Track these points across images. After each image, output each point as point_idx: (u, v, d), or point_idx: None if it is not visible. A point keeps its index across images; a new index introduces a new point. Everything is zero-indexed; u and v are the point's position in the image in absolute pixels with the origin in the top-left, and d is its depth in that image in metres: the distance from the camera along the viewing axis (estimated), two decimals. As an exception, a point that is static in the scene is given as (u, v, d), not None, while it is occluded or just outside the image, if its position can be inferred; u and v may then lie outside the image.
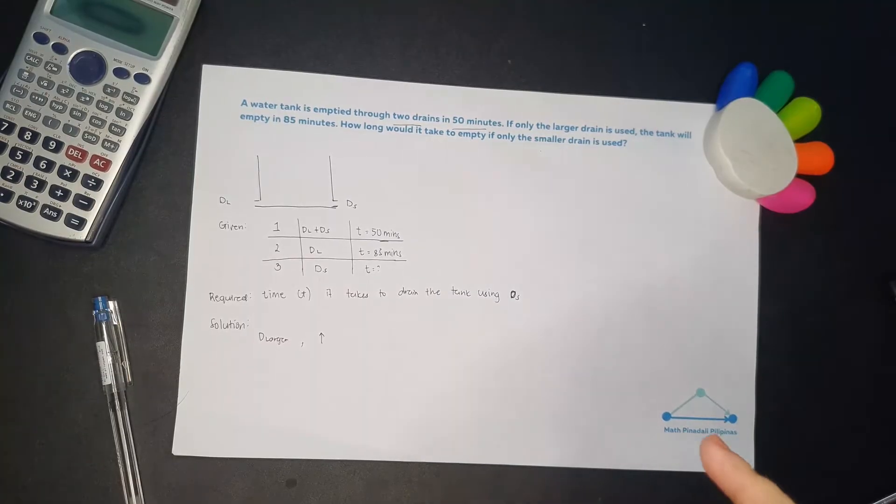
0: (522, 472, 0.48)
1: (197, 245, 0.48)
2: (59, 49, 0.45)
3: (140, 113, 0.46)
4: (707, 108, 0.52)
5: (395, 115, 0.50)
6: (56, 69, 0.45)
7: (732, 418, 0.50)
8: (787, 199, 0.50)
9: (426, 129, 0.50)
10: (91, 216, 0.45)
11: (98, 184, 0.45)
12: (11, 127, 0.45)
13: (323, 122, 0.49)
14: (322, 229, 0.48)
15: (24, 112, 0.45)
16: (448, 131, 0.50)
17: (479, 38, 0.51)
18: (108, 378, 0.46)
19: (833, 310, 0.51)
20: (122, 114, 0.46)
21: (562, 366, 0.49)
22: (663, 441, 0.49)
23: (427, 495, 0.47)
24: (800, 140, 0.51)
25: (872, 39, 0.53)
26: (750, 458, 0.49)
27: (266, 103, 0.49)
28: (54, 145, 0.45)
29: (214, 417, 0.47)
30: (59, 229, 0.45)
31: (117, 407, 0.46)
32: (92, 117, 0.45)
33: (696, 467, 0.49)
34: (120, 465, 0.46)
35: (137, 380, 0.47)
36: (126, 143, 0.46)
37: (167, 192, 0.48)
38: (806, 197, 0.50)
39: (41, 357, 0.46)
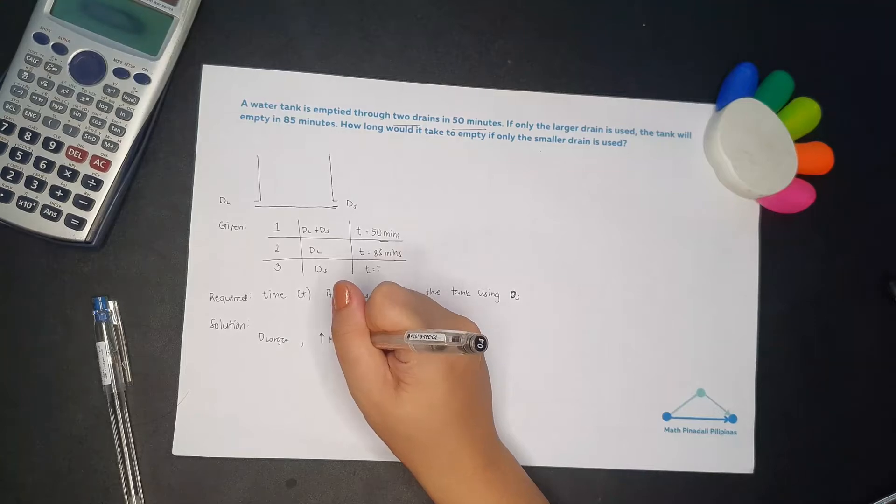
0: (522, 472, 0.48)
1: (197, 245, 0.48)
2: (59, 49, 0.45)
3: (140, 113, 0.46)
4: (707, 108, 0.52)
5: (395, 115, 0.50)
6: (56, 69, 0.45)
7: (732, 418, 0.50)
8: (787, 199, 0.50)
9: (426, 129, 0.50)
10: (91, 216, 0.45)
11: (98, 184, 0.45)
12: (11, 127, 0.45)
13: (323, 122, 0.49)
14: (322, 229, 0.48)
15: (24, 112, 0.45)
16: (448, 131, 0.50)
17: (479, 38, 0.51)
18: (108, 378, 0.46)
19: (833, 310, 0.51)
20: (122, 114, 0.46)
21: (562, 366, 0.49)
22: (663, 441, 0.49)
23: (427, 495, 0.47)
24: (800, 140, 0.51)
25: (872, 39, 0.53)
26: (750, 458, 0.49)
27: (266, 103, 0.49)
28: (54, 146, 0.45)
29: (214, 417, 0.47)
30: (59, 229, 0.45)
31: (117, 407, 0.46)
32: (92, 117, 0.45)
33: (696, 467, 0.50)
34: (120, 465, 0.46)
35: (137, 380, 0.47)
36: (126, 143, 0.46)
37: (167, 192, 0.48)
38: (806, 197, 0.50)
39: (41, 357, 0.46)
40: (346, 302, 0.43)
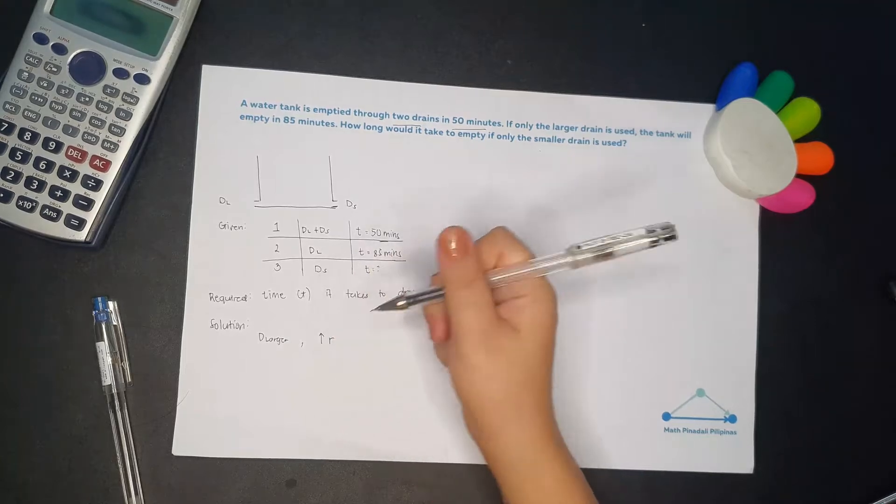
0: (522, 472, 0.48)
1: (197, 245, 0.48)
2: (59, 49, 0.45)
3: (140, 113, 0.46)
4: (707, 108, 0.52)
5: (395, 115, 0.50)
6: (56, 69, 0.45)
7: (732, 418, 0.50)
8: (787, 199, 0.50)
9: (426, 129, 0.50)
10: (91, 216, 0.45)
11: (98, 184, 0.45)
12: (11, 127, 0.45)
13: (323, 122, 0.49)
14: (322, 229, 0.48)
15: (23, 112, 0.45)
16: (448, 131, 0.50)
17: (479, 38, 0.51)
18: (108, 378, 0.46)
19: (833, 310, 0.51)
20: (121, 114, 0.46)
21: (561, 366, 0.49)
22: (663, 441, 0.49)
23: (427, 495, 0.47)
24: (800, 140, 0.51)
25: (872, 39, 0.53)
26: (750, 458, 0.49)
27: (266, 103, 0.49)
28: (54, 146, 0.45)
29: (214, 418, 0.47)
30: (58, 230, 0.45)
31: (117, 407, 0.46)
32: (92, 118, 0.45)
33: (696, 467, 0.50)
34: (120, 465, 0.46)
35: (137, 380, 0.47)
36: (126, 143, 0.46)
37: (167, 192, 0.48)
38: (806, 197, 0.50)
39: (41, 357, 0.47)
40: (457, 253, 0.40)
